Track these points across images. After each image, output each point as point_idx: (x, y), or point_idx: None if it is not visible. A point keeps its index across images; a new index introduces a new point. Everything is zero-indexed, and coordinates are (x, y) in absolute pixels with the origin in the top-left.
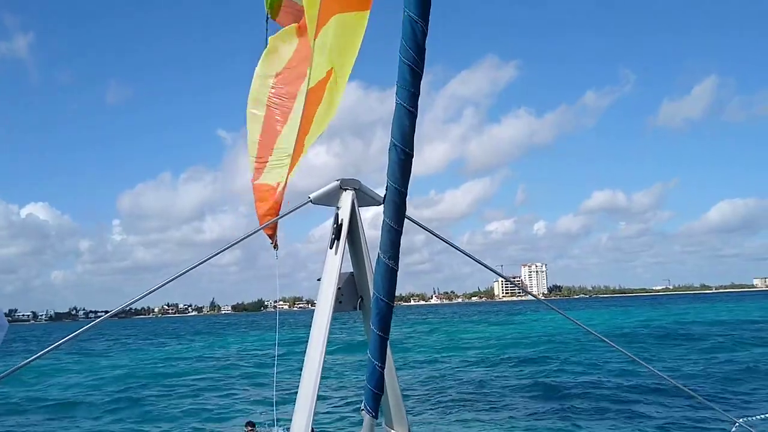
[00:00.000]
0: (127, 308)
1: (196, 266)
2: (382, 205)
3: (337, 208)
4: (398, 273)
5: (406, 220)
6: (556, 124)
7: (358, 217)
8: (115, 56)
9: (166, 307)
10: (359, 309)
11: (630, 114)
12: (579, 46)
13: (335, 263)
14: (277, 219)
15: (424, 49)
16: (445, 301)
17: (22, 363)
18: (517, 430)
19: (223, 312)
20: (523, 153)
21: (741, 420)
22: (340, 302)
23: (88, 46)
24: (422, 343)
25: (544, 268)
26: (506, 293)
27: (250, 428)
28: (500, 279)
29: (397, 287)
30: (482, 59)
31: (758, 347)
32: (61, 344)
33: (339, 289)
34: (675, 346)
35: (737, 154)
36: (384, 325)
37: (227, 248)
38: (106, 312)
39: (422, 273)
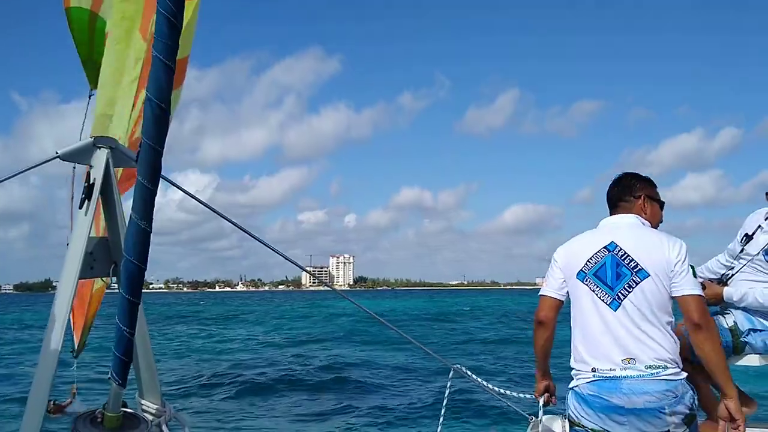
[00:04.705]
0: None
1: None
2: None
3: (90, 166)
4: (200, 254)
5: (162, 180)
6: (373, 120)
7: (113, 178)
8: None
9: None
10: (112, 275)
11: (441, 117)
12: (402, 47)
13: (85, 226)
14: (18, 174)
15: (183, 2)
16: (252, 289)
17: None
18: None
19: (4, 291)
20: (340, 146)
21: (456, 365)
22: (92, 268)
23: None
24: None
25: (351, 260)
26: (313, 283)
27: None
28: (308, 268)
29: (202, 273)
30: (306, 49)
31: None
32: None
33: (91, 254)
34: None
35: (530, 164)
36: (134, 289)
37: None
38: None
39: (229, 259)
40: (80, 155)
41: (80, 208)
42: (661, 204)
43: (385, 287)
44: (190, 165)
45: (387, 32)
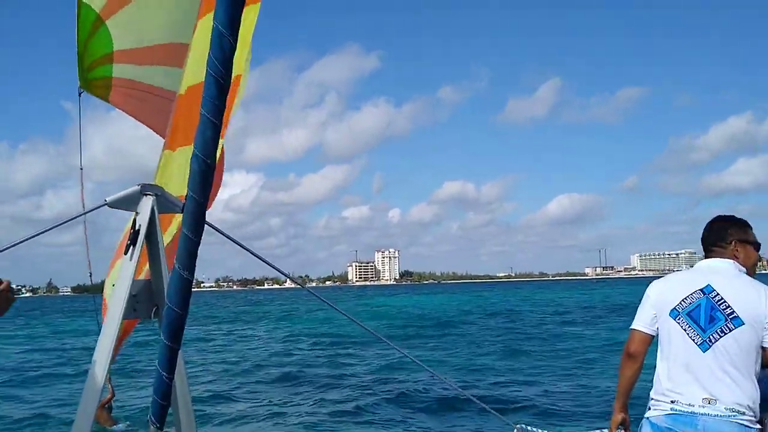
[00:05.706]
0: None
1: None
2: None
3: (136, 213)
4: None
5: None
6: (413, 115)
7: (158, 224)
8: None
9: None
10: (154, 317)
11: (482, 109)
12: (439, 40)
13: (130, 270)
14: (71, 220)
15: (231, 63)
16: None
17: None
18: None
19: (62, 294)
20: (381, 141)
21: (519, 425)
22: (135, 310)
23: None
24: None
25: (397, 254)
26: (359, 278)
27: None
28: (354, 264)
29: (251, 271)
30: (344, 47)
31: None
32: None
33: (134, 296)
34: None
35: (575, 153)
36: (174, 336)
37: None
38: None
39: (277, 257)
40: (127, 202)
41: (125, 254)
42: (757, 245)
43: (431, 281)
44: (236, 165)
45: (424, 26)
